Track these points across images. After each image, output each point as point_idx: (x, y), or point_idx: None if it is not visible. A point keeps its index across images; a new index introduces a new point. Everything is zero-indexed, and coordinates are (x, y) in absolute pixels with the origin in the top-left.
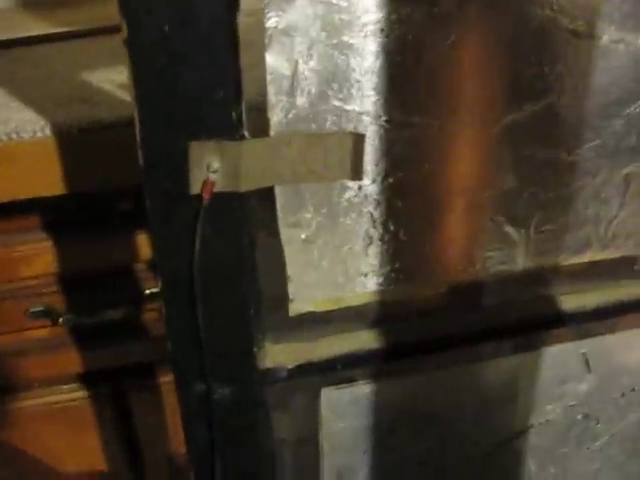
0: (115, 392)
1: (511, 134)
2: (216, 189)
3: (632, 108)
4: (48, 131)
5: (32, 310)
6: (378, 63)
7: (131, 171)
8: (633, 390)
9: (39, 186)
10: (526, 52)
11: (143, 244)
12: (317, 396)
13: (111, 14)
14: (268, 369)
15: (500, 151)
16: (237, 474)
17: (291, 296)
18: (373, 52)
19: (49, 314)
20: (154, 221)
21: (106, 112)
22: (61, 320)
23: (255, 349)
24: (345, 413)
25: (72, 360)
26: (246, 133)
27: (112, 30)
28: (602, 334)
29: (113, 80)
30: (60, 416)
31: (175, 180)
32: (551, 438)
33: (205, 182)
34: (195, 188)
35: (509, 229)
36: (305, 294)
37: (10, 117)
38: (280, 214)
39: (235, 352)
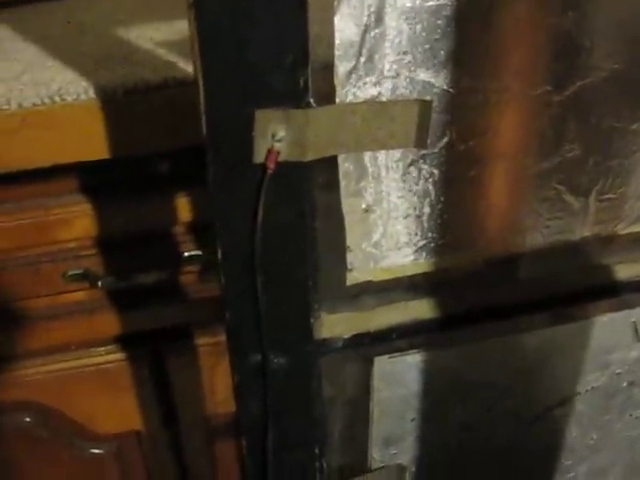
0: (152, 354)
1: (577, 101)
2: (280, 158)
3: None
4: (92, 93)
5: (70, 273)
6: (446, 30)
7: (172, 133)
8: None
9: (82, 150)
10: (592, 20)
11: (182, 207)
12: (370, 365)
13: None
14: (324, 339)
15: (565, 118)
16: (289, 442)
17: (349, 266)
18: (442, 19)
19: (87, 277)
20: (216, 190)
21: (150, 73)
22: (100, 283)
23: (312, 319)
24: (396, 381)
25: (109, 322)
26: (312, 101)
27: None
28: None
29: (151, 38)
30: (97, 378)
31: (239, 149)
32: (595, 405)
33: (270, 151)
34: (259, 157)
35: (569, 198)
36: (363, 264)
37: (52, 78)
38: (342, 183)
39: (292, 322)
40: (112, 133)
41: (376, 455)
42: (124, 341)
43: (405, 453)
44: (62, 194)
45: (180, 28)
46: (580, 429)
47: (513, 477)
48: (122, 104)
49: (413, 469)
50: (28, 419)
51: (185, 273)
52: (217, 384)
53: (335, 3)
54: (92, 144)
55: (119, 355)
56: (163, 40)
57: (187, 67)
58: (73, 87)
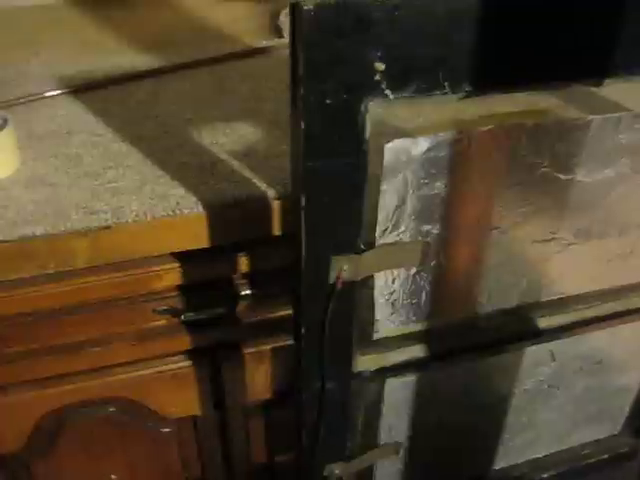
0: (210, 360)
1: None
2: (344, 279)
3: None
4: (201, 208)
5: (159, 309)
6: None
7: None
8: (580, 369)
9: (188, 242)
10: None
11: (241, 263)
12: (384, 383)
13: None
14: (359, 371)
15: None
16: (332, 432)
17: (376, 329)
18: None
19: (173, 312)
20: (305, 294)
21: (234, 188)
22: (183, 317)
23: (352, 359)
24: (398, 392)
25: (183, 341)
26: (362, 247)
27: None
28: (564, 337)
29: (222, 145)
30: (170, 379)
31: (321, 275)
32: (526, 399)
33: (338, 276)
34: (332, 279)
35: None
36: (383, 328)
37: (168, 191)
38: (376, 286)
39: (340, 362)
40: (209, 233)
41: (383, 437)
42: (192, 352)
43: (400, 435)
44: (158, 259)
45: (241, 133)
46: (516, 414)
47: (474, 448)
48: (217, 215)
49: (406, 445)
50: (112, 409)
51: (240, 305)
52: (256, 382)
53: (382, 177)
54: (194, 238)
55: (187, 362)
56: (231, 150)
57: (259, 183)
58: (186, 202)
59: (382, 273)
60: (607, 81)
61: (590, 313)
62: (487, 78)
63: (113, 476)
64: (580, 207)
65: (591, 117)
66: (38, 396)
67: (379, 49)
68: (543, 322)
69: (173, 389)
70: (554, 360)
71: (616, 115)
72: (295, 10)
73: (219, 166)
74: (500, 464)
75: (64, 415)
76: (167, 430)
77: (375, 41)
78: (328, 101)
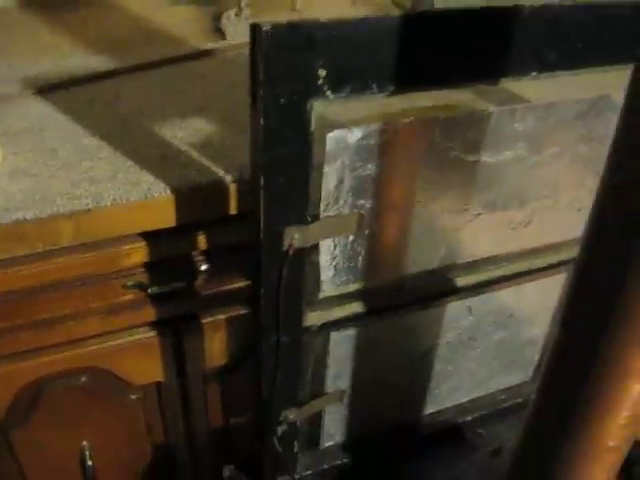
0: (173, 331)
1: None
2: (295, 246)
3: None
4: (169, 191)
5: (128, 284)
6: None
7: (202, 213)
8: (494, 323)
9: (156, 222)
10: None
11: (200, 241)
12: (329, 337)
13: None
14: (308, 326)
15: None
16: (287, 378)
17: (322, 289)
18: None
19: (140, 286)
20: (263, 258)
21: (196, 174)
22: (149, 291)
23: (302, 316)
24: (341, 345)
25: (149, 312)
26: (309, 219)
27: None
28: (478, 295)
29: (181, 138)
30: (136, 348)
31: (276, 244)
32: (449, 350)
33: (290, 244)
34: (285, 246)
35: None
36: (328, 288)
37: (139, 179)
38: (320, 252)
39: (292, 318)
40: (176, 213)
41: (328, 385)
42: (156, 323)
43: (344, 383)
44: (127, 239)
45: (196, 127)
46: (441, 364)
47: (408, 395)
48: (183, 198)
49: (349, 392)
50: (85, 379)
51: (200, 279)
52: (213, 349)
53: (323, 179)
54: (162, 218)
55: (152, 333)
56: (190, 142)
57: (217, 170)
58: (156, 187)
59: (326, 241)
60: (502, 80)
61: (499, 273)
62: (406, 80)
63: (84, 442)
64: (486, 183)
65: (491, 109)
66: (17, 369)
67: (321, 60)
68: (460, 281)
69: (139, 358)
70: (471, 314)
71: (511, 107)
72: (255, 29)
73: (180, 156)
74: (429, 410)
75: (40, 386)
76: (134, 397)
77: (318, 54)
78: (282, 101)
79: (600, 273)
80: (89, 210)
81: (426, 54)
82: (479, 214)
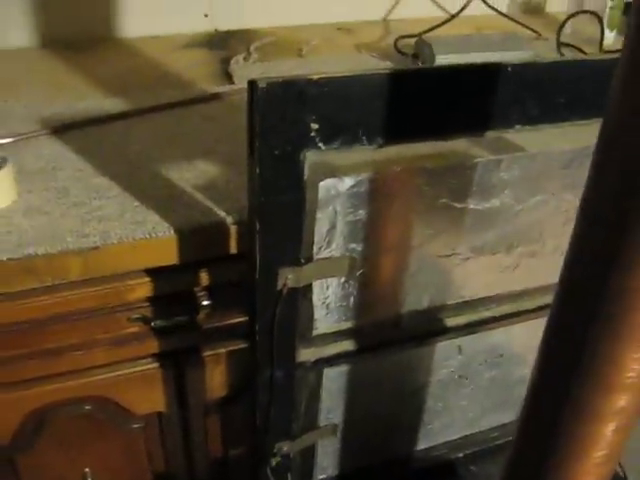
0: (175, 363)
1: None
2: (288, 286)
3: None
4: (172, 232)
5: (133, 317)
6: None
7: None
8: (485, 362)
9: (158, 260)
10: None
11: (202, 277)
12: (322, 372)
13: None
14: (301, 362)
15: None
16: (279, 412)
17: (314, 326)
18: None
19: (144, 320)
20: (258, 296)
21: (200, 215)
22: (153, 324)
23: (296, 352)
24: (334, 381)
25: (152, 345)
26: (303, 260)
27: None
28: (468, 335)
29: (187, 180)
30: (139, 379)
31: (270, 283)
32: (441, 387)
33: (284, 284)
34: (279, 286)
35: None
36: (321, 325)
37: (145, 218)
38: (314, 292)
39: (286, 354)
40: (178, 252)
41: (321, 419)
42: (159, 355)
43: (337, 418)
44: (132, 274)
45: (201, 169)
46: (433, 401)
47: (400, 430)
48: (186, 237)
49: (342, 426)
50: (89, 407)
51: (202, 314)
52: (213, 381)
53: (318, 206)
54: (165, 256)
55: (155, 364)
56: (195, 184)
57: (219, 211)
58: (160, 227)
59: (319, 281)
60: (488, 133)
61: (488, 314)
62: (394, 133)
63: (87, 469)
64: (474, 229)
65: (477, 160)
66: (23, 396)
67: (313, 114)
68: (450, 321)
69: (142, 388)
70: (461, 354)
71: (496, 158)
72: (252, 85)
73: (185, 197)
74: (422, 445)
75: (46, 413)
76: (136, 426)
77: (310, 108)
78: (276, 152)
79: (572, 316)
80: (97, 247)
81: (413, 108)
82: (467, 258)
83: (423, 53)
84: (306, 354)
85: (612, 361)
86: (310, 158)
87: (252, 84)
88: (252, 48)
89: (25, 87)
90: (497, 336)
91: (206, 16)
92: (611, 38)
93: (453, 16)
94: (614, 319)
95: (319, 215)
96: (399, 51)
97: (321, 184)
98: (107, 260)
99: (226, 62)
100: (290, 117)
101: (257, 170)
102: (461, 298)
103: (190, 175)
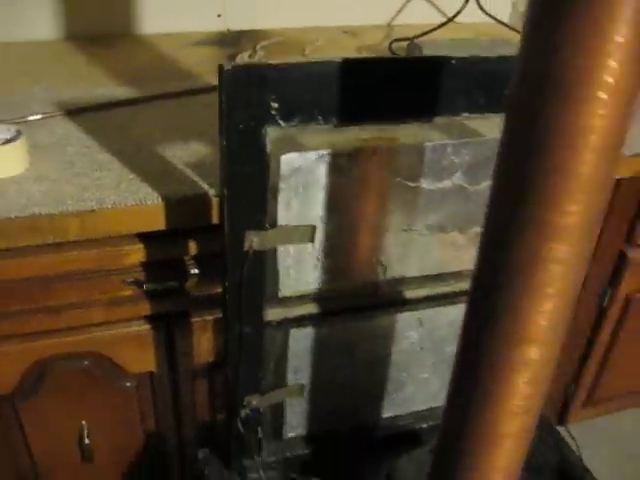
0: (166, 326)
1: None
2: (255, 247)
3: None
4: (160, 200)
5: (127, 280)
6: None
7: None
8: (446, 336)
9: (149, 225)
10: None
11: (191, 247)
12: (288, 333)
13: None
14: (268, 321)
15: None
16: (248, 370)
17: (280, 288)
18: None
19: (138, 283)
20: (227, 259)
21: (187, 188)
22: (145, 287)
23: (263, 311)
24: (299, 341)
25: (145, 307)
26: (268, 225)
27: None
28: (427, 308)
29: (180, 157)
30: (133, 339)
31: (238, 246)
32: (404, 358)
33: (250, 246)
34: (246, 247)
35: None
36: (286, 288)
37: (138, 189)
38: (279, 257)
39: (254, 312)
40: (165, 219)
41: (289, 378)
42: (151, 317)
43: (304, 379)
44: (125, 239)
45: (194, 149)
46: (397, 371)
47: (365, 397)
48: (172, 206)
49: (309, 388)
50: (86, 362)
51: (190, 281)
52: (201, 346)
53: (279, 193)
54: (154, 222)
55: (147, 326)
56: (187, 162)
57: (203, 185)
58: (150, 196)
59: (283, 247)
60: (436, 119)
61: (446, 289)
62: (348, 115)
63: (83, 421)
64: (428, 208)
65: (425, 144)
66: (26, 348)
67: (274, 94)
68: (409, 293)
69: (135, 348)
70: (422, 326)
71: (442, 142)
72: (220, 70)
73: (176, 173)
74: (387, 413)
75: (47, 365)
76: (129, 384)
77: (271, 89)
78: (241, 126)
79: (488, 272)
80: (93, 210)
81: (365, 94)
82: (423, 235)
83: (414, 55)
84: (273, 314)
85: (520, 314)
86: (271, 134)
87: (220, 68)
88: (259, 46)
89: (48, 75)
90: (456, 312)
91: (219, 16)
92: None
93: (448, 20)
94: (521, 272)
95: (282, 185)
96: (393, 53)
97: (283, 157)
98: (102, 223)
99: (233, 59)
100: (252, 97)
101: (224, 143)
102: (420, 272)
103: (183, 154)
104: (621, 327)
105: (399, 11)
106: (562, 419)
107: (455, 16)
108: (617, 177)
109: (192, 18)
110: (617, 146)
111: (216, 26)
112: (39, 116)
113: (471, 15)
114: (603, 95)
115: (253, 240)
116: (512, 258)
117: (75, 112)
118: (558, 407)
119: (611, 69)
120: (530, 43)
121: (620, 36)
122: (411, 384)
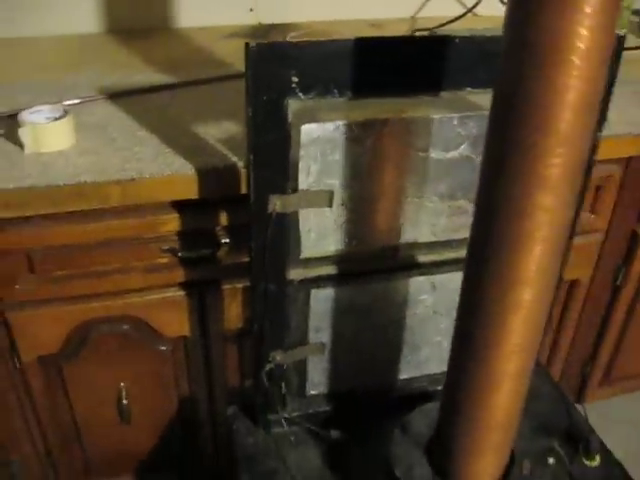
0: (199, 293)
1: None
2: (278, 210)
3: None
4: (193, 171)
5: (164, 248)
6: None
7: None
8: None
9: (185, 193)
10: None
11: (222, 218)
12: (309, 292)
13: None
14: (290, 279)
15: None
16: (274, 327)
17: (302, 250)
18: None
19: (173, 251)
20: (254, 221)
21: (217, 161)
22: (179, 254)
23: (285, 271)
24: (320, 302)
25: (179, 275)
26: (290, 190)
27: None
28: (440, 273)
29: (212, 135)
30: (169, 304)
31: (262, 208)
32: (418, 322)
33: (273, 209)
34: (270, 210)
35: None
36: (307, 250)
37: (173, 161)
38: (300, 220)
39: (278, 272)
40: (198, 188)
41: (311, 337)
42: (185, 284)
43: (325, 338)
44: (163, 208)
45: (225, 128)
46: (411, 334)
47: (382, 358)
48: (204, 177)
49: (329, 347)
50: (125, 326)
51: (221, 251)
52: (231, 312)
53: (301, 153)
54: (188, 190)
55: (182, 293)
56: (219, 138)
57: (233, 158)
58: (184, 168)
59: (305, 210)
60: (442, 94)
61: (457, 255)
62: (361, 89)
63: (122, 383)
64: (438, 176)
65: (433, 116)
66: (71, 310)
67: (294, 69)
68: (421, 258)
69: (170, 312)
70: (435, 290)
71: (448, 115)
72: (247, 47)
73: (208, 148)
74: (404, 376)
75: (89, 328)
76: (164, 348)
77: (292, 65)
78: (265, 99)
79: (484, 218)
80: (133, 179)
81: (377, 69)
82: (433, 202)
83: None
84: (295, 273)
85: (512, 259)
86: (292, 106)
87: (247, 46)
88: (288, 38)
89: (91, 63)
90: None
91: (251, 10)
92: None
93: (467, 11)
94: (511, 220)
95: (302, 153)
96: None
97: (303, 127)
98: (141, 190)
99: None
100: (275, 72)
101: (250, 114)
102: (431, 238)
103: (215, 132)
104: (636, 306)
105: (423, 4)
106: (579, 398)
107: (474, 7)
108: (626, 156)
109: (225, 12)
110: (592, 104)
111: (248, 20)
112: (84, 99)
113: (491, 8)
114: (576, 59)
115: (276, 203)
116: (503, 208)
117: (116, 96)
118: (575, 386)
119: (582, 36)
120: (512, 14)
121: (589, 7)
122: (425, 347)
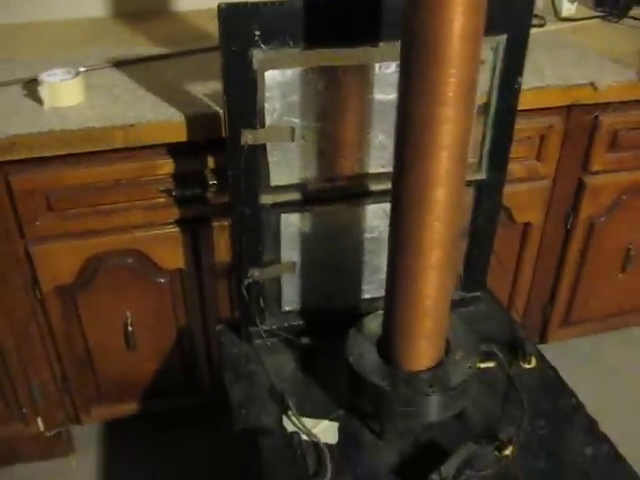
0: (191, 229)
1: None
2: (249, 143)
3: None
4: (183, 118)
5: (160, 188)
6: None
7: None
8: None
9: (174, 136)
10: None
11: (210, 163)
12: (279, 216)
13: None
14: (263, 204)
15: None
16: (250, 245)
17: (272, 178)
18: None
19: (168, 191)
20: (229, 158)
21: (205, 109)
22: (174, 193)
23: (258, 196)
24: (289, 224)
25: (174, 212)
26: (258, 126)
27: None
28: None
29: (201, 92)
30: (165, 239)
31: (236, 141)
32: (375, 245)
33: (245, 141)
34: (242, 142)
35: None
36: (276, 178)
37: (167, 111)
38: (268, 152)
39: (251, 197)
40: (187, 132)
41: (283, 257)
42: (180, 221)
43: (295, 258)
44: (160, 154)
45: (211, 86)
46: (370, 257)
47: (346, 278)
48: (192, 122)
49: (299, 266)
50: (130, 260)
51: (210, 191)
52: (220, 247)
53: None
54: (179, 134)
55: (177, 229)
56: (206, 93)
57: (216, 107)
58: (176, 116)
59: (272, 144)
60: (380, 44)
61: None
62: (313, 41)
63: (128, 312)
64: (381, 116)
65: (374, 63)
66: (84, 244)
67: (256, 24)
68: (373, 187)
69: (168, 247)
70: (386, 216)
71: (387, 63)
72: (218, 7)
73: (197, 101)
74: (366, 295)
75: (100, 260)
76: (163, 280)
77: (255, 20)
78: (234, 49)
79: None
80: (133, 125)
81: (325, 24)
82: (379, 139)
83: None
84: (266, 199)
85: (426, 163)
86: (257, 55)
87: (219, 6)
88: None
89: (99, 41)
90: None
91: None
92: (573, 9)
93: None
94: (423, 131)
95: (267, 95)
96: None
97: (267, 73)
98: (140, 134)
99: None
100: (242, 27)
101: (223, 62)
102: (381, 169)
103: (203, 89)
104: (587, 251)
105: None
106: (542, 338)
107: None
108: (566, 104)
109: None
110: (476, 33)
111: None
112: (93, 67)
113: None
114: None
115: (248, 137)
116: (416, 123)
117: (121, 64)
118: (538, 327)
119: None
120: None
121: None
122: (384, 269)
